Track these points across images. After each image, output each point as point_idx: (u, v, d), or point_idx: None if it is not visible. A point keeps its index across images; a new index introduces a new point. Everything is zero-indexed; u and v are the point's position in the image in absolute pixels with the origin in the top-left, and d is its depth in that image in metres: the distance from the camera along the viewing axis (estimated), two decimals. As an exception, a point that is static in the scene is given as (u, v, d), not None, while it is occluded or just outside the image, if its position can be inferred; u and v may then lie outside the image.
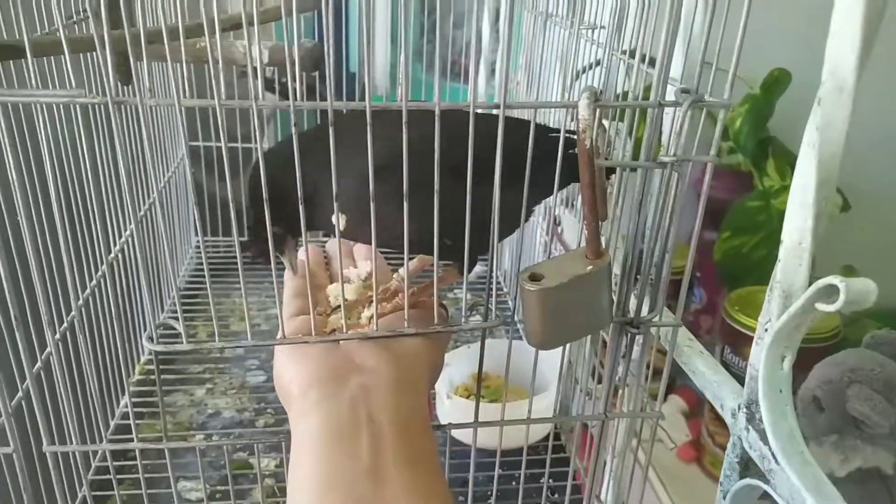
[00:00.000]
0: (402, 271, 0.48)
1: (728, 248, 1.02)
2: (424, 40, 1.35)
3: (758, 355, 0.36)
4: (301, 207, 0.36)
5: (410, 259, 0.50)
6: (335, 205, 0.36)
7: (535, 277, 0.39)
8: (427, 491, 0.36)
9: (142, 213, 0.77)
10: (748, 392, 0.38)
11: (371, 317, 0.43)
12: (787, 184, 1.04)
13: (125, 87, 0.35)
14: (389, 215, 0.38)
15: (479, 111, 0.36)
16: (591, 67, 0.62)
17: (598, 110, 0.36)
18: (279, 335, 0.40)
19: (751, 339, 0.90)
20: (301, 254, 0.47)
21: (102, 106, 0.34)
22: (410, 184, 0.36)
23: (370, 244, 0.40)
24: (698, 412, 1.00)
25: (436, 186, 0.36)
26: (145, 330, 0.40)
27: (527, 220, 0.43)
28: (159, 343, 0.40)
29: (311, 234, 0.39)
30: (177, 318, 0.40)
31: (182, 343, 0.40)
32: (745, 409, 0.38)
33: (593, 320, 0.42)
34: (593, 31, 0.58)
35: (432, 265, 0.46)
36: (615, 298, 0.45)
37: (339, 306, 0.44)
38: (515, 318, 0.90)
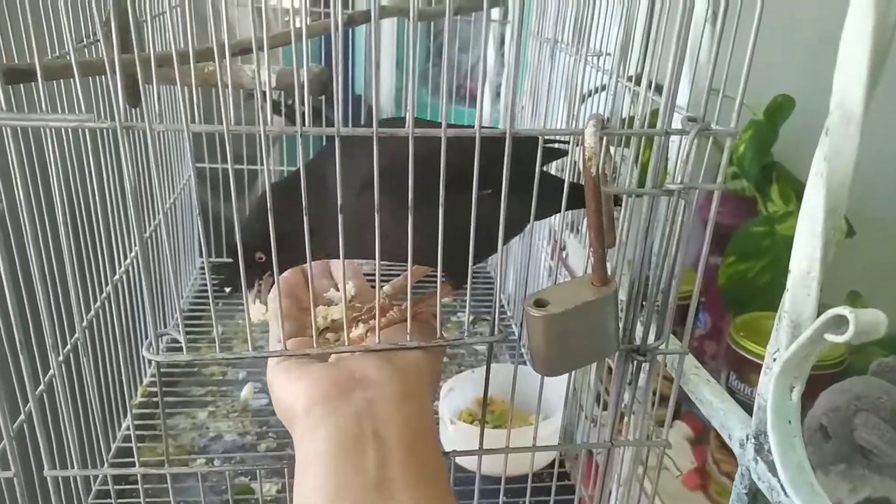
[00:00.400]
0: (386, 288, 0.47)
1: (732, 273, 1.02)
2: (430, 64, 1.37)
3: (766, 385, 0.36)
4: (272, 230, 0.36)
5: (396, 275, 0.50)
6: (339, 217, 0.36)
7: (540, 303, 0.39)
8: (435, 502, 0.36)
9: (147, 234, 0.77)
10: (756, 422, 0.37)
11: (361, 335, 0.43)
12: (791, 209, 1.04)
13: (133, 112, 0.35)
14: (376, 228, 0.38)
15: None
16: (595, 92, 0.62)
17: (604, 138, 0.36)
18: (279, 347, 0.40)
19: (757, 365, 0.90)
20: (286, 273, 0.46)
21: (111, 130, 0.34)
22: (392, 199, 0.36)
23: (358, 258, 0.39)
24: (704, 439, 0.99)
25: (441, 198, 0.36)
26: (152, 351, 0.40)
27: (517, 234, 0.44)
28: (160, 354, 0.39)
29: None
30: (178, 330, 0.40)
31: (183, 353, 0.40)
32: (753, 440, 0.38)
33: (599, 347, 0.42)
34: (598, 58, 0.58)
35: (421, 281, 0.45)
36: (621, 325, 0.44)
37: (327, 328, 0.44)
38: (521, 344, 0.90)
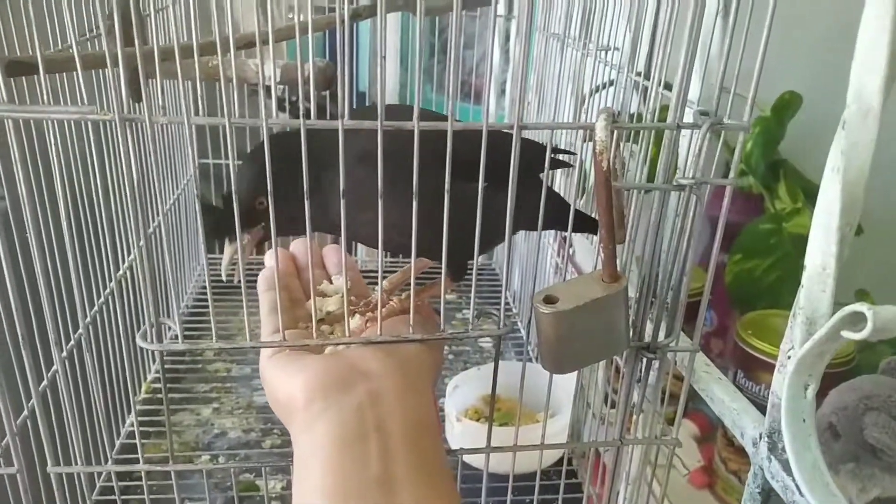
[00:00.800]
0: (384, 284, 0.47)
1: (739, 270, 1.01)
2: (434, 61, 1.36)
3: (780, 383, 0.35)
4: (271, 206, 0.35)
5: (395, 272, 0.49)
6: (342, 202, 0.36)
7: (549, 300, 0.38)
8: (439, 498, 0.35)
9: (151, 229, 0.76)
10: (770, 421, 0.37)
11: (360, 326, 0.42)
12: (798, 207, 1.03)
13: (136, 105, 0.35)
14: (368, 210, 0.37)
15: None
16: (603, 87, 0.62)
17: (615, 132, 0.35)
18: (279, 338, 0.39)
19: (765, 363, 0.89)
20: (272, 260, 0.43)
21: (113, 123, 0.33)
22: (395, 180, 0.35)
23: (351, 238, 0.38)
24: (710, 437, 0.98)
25: (446, 188, 0.35)
26: (147, 340, 0.39)
27: (514, 233, 0.43)
28: (155, 343, 0.39)
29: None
30: (174, 320, 0.39)
31: (179, 343, 0.39)
32: (766, 439, 0.37)
33: (609, 345, 0.41)
34: (606, 53, 0.57)
35: (419, 277, 0.45)
36: (631, 322, 0.44)
37: (322, 320, 0.43)
38: (527, 342, 0.89)
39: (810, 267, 0.33)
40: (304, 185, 0.35)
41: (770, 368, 0.89)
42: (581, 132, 0.64)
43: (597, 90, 0.63)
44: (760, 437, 0.38)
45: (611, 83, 0.59)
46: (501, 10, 1.02)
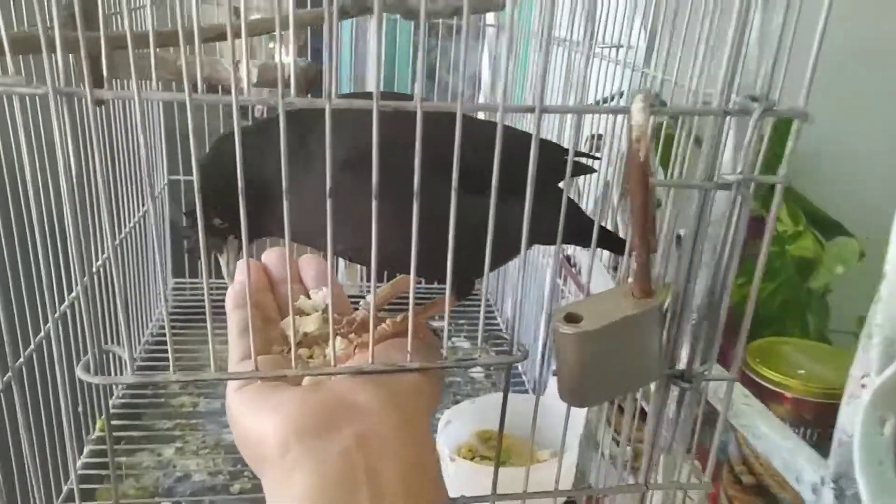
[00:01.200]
0: (368, 298, 0.40)
1: (744, 294, 0.97)
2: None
3: (851, 417, 0.30)
4: (242, 208, 0.29)
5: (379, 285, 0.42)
6: (328, 202, 0.30)
7: (571, 319, 0.32)
8: None
9: (103, 258, 0.69)
10: (837, 463, 0.31)
11: (348, 352, 0.36)
12: (800, 229, 1.00)
13: (73, 75, 0.29)
14: (353, 217, 0.31)
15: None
16: (612, 98, 0.57)
17: (653, 117, 0.30)
18: (250, 366, 0.32)
19: (775, 393, 0.83)
20: (242, 275, 0.38)
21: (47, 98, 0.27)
22: (383, 184, 0.29)
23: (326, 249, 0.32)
24: (716, 474, 0.92)
25: (453, 187, 0.30)
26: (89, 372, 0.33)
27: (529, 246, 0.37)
28: (98, 375, 0.32)
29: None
30: (122, 346, 0.32)
31: (126, 375, 0.32)
32: (832, 484, 0.31)
33: (640, 372, 0.35)
34: (616, 51, 0.52)
35: (408, 291, 0.39)
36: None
37: (298, 343, 0.36)
38: (522, 372, 0.83)
39: (892, 275, 0.28)
40: (282, 185, 0.29)
41: (780, 399, 0.83)
42: (588, 141, 0.59)
43: (604, 101, 0.58)
44: (823, 483, 0.32)
45: (620, 94, 0.55)
46: (491, 20, 0.98)
